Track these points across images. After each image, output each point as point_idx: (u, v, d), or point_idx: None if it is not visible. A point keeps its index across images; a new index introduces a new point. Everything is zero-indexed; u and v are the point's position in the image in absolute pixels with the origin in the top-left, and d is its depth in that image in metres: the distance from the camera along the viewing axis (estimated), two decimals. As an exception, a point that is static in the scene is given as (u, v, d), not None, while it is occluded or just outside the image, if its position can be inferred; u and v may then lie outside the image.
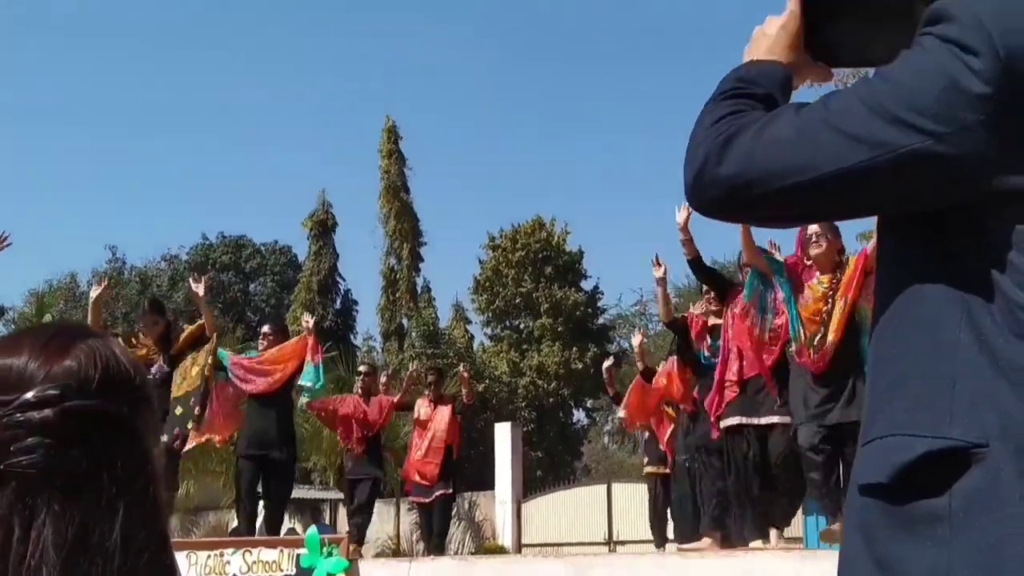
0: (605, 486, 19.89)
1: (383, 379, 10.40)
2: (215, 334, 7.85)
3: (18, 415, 0.95)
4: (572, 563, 5.16)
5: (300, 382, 8.25)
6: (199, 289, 7.79)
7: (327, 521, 19.55)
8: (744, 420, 6.23)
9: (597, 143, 59.87)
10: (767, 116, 1.28)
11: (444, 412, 9.38)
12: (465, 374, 9.98)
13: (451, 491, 9.48)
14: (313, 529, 5.84)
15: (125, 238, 72.97)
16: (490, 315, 31.39)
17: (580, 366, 29.12)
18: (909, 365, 1.21)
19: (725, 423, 6.30)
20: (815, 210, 1.32)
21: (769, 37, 1.42)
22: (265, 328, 8.54)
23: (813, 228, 5.65)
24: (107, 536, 0.94)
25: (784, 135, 1.24)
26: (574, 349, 29.32)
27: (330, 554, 5.54)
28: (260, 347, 8.18)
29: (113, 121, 60.95)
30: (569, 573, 5.02)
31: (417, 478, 9.25)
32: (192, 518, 19.48)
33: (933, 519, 1.11)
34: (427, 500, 9.27)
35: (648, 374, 8.60)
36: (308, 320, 8.52)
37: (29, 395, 0.96)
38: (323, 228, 32.26)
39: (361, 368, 10.56)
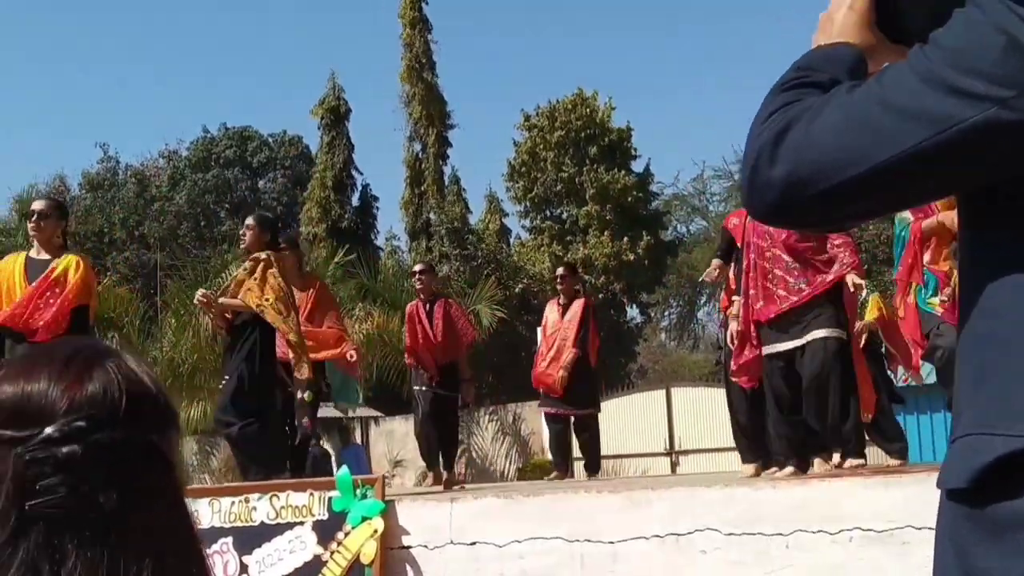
0: (664, 391, 20.22)
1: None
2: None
3: (41, 452, 0.95)
4: (628, 497, 5.28)
5: (338, 400, 8.12)
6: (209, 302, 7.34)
7: (358, 441, 19.93)
8: None
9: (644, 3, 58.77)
10: (819, 102, 1.25)
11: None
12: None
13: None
14: (344, 471, 5.99)
15: (117, 135, 73.33)
16: (528, 204, 31.00)
17: (632, 257, 28.67)
18: (990, 357, 1.22)
19: None
20: (877, 205, 1.27)
21: (835, 20, 1.38)
22: (249, 220, 7.80)
23: None
24: None
25: (833, 122, 1.22)
26: (625, 239, 28.80)
27: (364, 496, 5.70)
28: (242, 241, 7.68)
29: (102, 3, 60.86)
30: (625, 505, 5.16)
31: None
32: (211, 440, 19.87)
33: (1017, 524, 1.12)
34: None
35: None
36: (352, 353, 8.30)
37: (52, 429, 0.96)
38: (335, 116, 31.42)
39: (416, 267, 9.90)
